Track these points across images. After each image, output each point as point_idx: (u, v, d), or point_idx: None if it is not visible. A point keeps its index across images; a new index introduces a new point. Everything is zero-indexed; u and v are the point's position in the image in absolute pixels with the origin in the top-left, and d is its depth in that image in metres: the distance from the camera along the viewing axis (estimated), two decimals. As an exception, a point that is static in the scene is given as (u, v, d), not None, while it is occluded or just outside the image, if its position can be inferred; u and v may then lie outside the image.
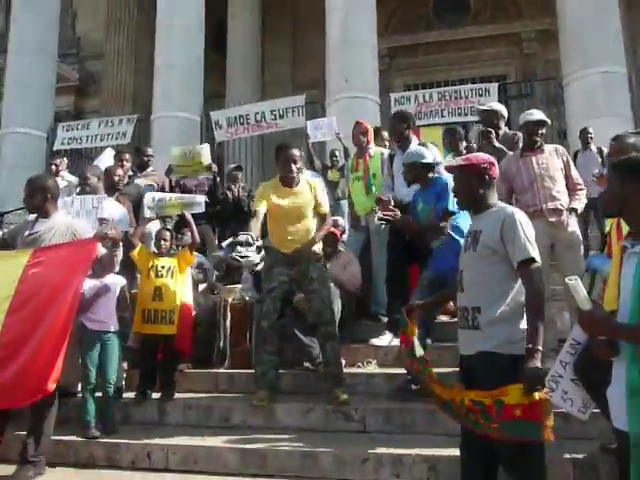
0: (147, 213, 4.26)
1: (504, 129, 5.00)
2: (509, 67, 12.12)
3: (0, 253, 3.39)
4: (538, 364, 2.14)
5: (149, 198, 4.30)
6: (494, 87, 8.30)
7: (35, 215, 3.47)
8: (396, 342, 4.12)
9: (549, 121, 4.05)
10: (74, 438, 3.56)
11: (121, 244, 3.50)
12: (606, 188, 1.97)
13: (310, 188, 3.93)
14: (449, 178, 3.74)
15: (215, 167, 5.86)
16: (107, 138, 9.55)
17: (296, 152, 3.96)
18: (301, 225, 3.83)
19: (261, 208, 3.82)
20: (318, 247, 3.95)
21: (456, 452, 2.93)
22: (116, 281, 3.87)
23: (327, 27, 8.76)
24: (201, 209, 4.37)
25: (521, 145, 4.25)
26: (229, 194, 6.19)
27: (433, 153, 4.27)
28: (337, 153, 6.83)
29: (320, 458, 3.10)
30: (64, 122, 10.10)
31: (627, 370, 1.75)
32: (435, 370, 3.76)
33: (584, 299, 1.75)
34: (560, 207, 3.91)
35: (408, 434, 3.33)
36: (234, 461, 3.22)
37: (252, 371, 4.17)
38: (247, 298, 4.41)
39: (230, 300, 4.39)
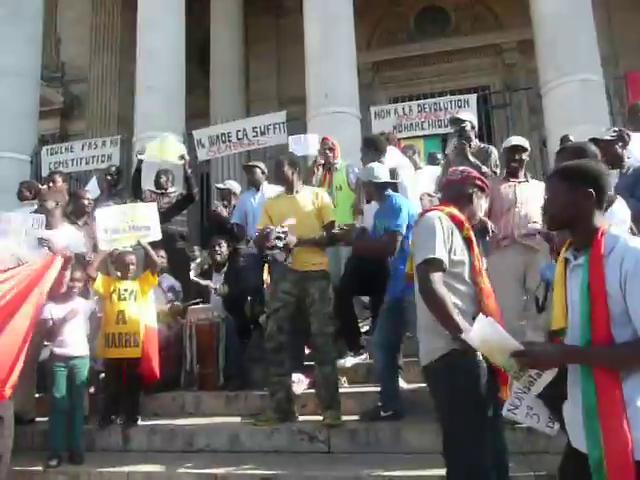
0: (101, 245, 4.15)
1: (475, 141, 4.97)
2: (492, 78, 12.15)
3: None
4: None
5: (101, 230, 4.14)
6: (473, 98, 8.31)
7: None
8: (358, 360, 4.16)
9: (527, 146, 3.86)
10: (34, 468, 3.49)
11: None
12: (549, 200, 1.83)
13: (315, 195, 3.81)
14: (398, 197, 3.73)
15: (187, 157, 5.69)
16: (92, 161, 9.57)
17: (287, 157, 3.90)
18: (303, 235, 3.65)
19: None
20: (323, 261, 3.76)
21: (419, 472, 2.89)
22: (85, 305, 3.83)
23: (305, 40, 8.78)
24: (157, 237, 4.26)
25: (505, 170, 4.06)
26: (221, 210, 6.13)
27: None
28: (316, 171, 6.82)
29: (280, 481, 3.03)
30: (49, 145, 10.11)
31: (582, 391, 1.65)
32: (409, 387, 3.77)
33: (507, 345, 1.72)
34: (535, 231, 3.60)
35: (373, 453, 3.27)
36: (195, 487, 3.15)
37: (219, 393, 4.13)
38: (213, 317, 4.34)
39: (196, 321, 4.32)
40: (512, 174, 3.84)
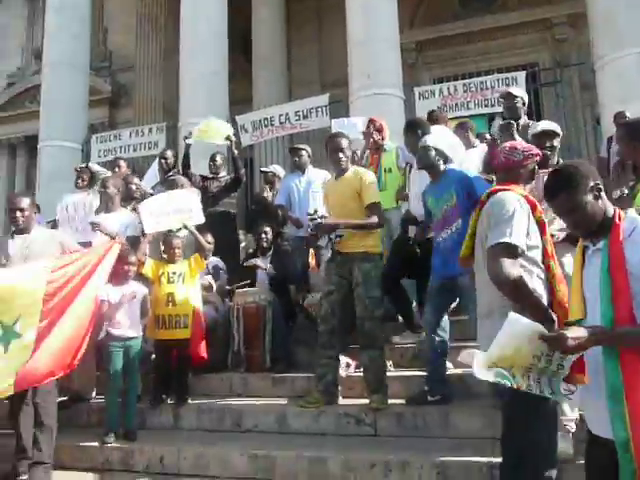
0: (147, 228, 4.21)
1: (524, 118, 4.80)
2: (541, 54, 11.68)
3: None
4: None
5: (146, 215, 4.17)
6: (521, 75, 8.04)
7: (12, 232, 3.60)
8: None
9: (559, 131, 3.45)
10: (90, 443, 3.63)
11: None
12: (572, 216, 1.77)
13: (356, 176, 3.72)
14: (457, 169, 3.61)
15: (234, 138, 5.77)
16: (140, 148, 9.79)
17: (343, 141, 3.80)
18: (348, 217, 3.61)
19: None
20: (369, 244, 3.66)
21: (467, 457, 2.85)
22: (139, 289, 3.93)
23: (347, 22, 8.65)
24: (200, 220, 4.31)
25: None
26: (266, 195, 6.14)
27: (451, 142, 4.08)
28: (358, 153, 6.73)
29: (328, 463, 3.05)
30: (98, 133, 10.40)
31: (607, 373, 1.62)
32: (456, 371, 3.71)
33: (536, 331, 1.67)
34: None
35: (420, 437, 3.25)
36: (244, 466, 3.21)
37: (266, 375, 4.18)
38: (260, 300, 4.37)
39: (243, 304, 4.37)
40: (541, 164, 3.26)
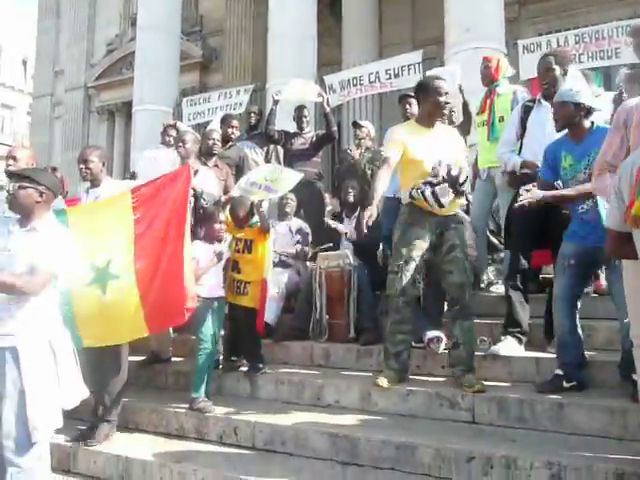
0: (235, 191, 4.14)
1: (662, 63, 3.99)
2: (667, 3, 10.25)
3: (105, 201, 3.41)
4: None
5: (245, 178, 4.19)
6: (646, 23, 6.97)
7: (87, 186, 3.57)
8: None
9: None
10: (166, 407, 3.51)
11: None
12: None
13: (449, 133, 3.48)
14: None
15: (324, 94, 5.62)
16: (226, 109, 9.76)
17: (446, 85, 3.39)
18: None
19: (392, 155, 3.32)
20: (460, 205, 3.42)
21: (588, 460, 2.38)
22: (224, 249, 3.69)
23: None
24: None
25: None
26: (351, 153, 5.78)
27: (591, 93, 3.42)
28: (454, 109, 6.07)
29: (418, 451, 2.67)
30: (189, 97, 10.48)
31: None
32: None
33: None
34: None
35: (526, 430, 2.80)
36: (323, 445, 2.91)
37: (351, 346, 3.87)
38: (344, 265, 4.02)
39: (326, 268, 4.03)
40: None
